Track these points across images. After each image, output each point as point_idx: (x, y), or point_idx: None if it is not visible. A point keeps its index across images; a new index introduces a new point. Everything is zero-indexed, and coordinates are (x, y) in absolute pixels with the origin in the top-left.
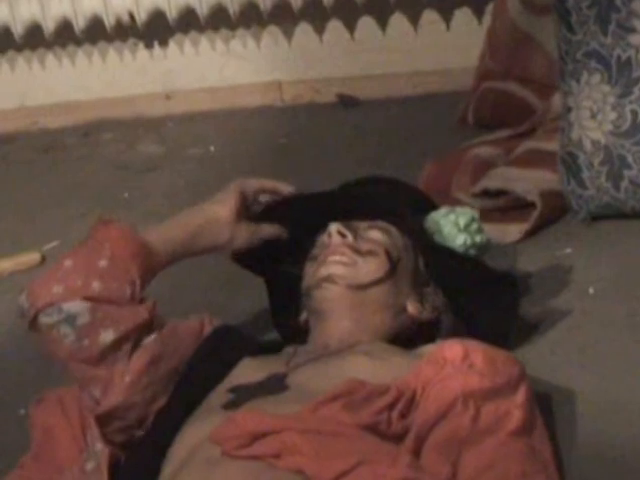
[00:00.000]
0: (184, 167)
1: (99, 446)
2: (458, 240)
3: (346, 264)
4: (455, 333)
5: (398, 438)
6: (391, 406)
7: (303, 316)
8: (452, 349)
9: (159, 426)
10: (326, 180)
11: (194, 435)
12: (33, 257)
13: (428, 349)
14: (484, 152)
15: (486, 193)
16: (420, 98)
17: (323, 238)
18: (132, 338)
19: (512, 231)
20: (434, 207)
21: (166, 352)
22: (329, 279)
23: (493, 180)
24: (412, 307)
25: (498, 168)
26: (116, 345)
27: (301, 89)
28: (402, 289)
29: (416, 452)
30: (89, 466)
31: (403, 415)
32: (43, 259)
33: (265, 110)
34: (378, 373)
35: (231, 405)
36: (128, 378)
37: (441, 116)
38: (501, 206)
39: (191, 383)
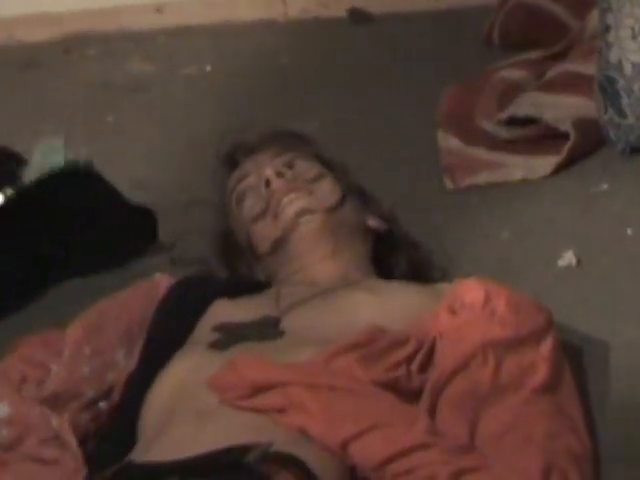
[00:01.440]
0: (176, 88)
1: (54, 422)
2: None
3: (307, 195)
4: (411, 240)
5: (417, 394)
6: (410, 358)
7: (260, 276)
8: (472, 292)
9: (131, 385)
10: (331, 104)
11: (179, 378)
12: None
13: (443, 288)
14: (512, 75)
15: (514, 121)
16: (440, 14)
17: (258, 190)
18: None
19: (542, 164)
20: None
21: (104, 318)
22: (305, 212)
23: (522, 106)
24: (372, 221)
25: (527, 93)
26: None
27: (307, 2)
28: (357, 206)
29: (432, 408)
30: (45, 451)
31: (423, 368)
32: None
33: (267, 25)
34: (387, 312)
35: (220, 345)
36: (67, 352)
37: (464, 34)
38: (530, 136)
39: (162, 336)
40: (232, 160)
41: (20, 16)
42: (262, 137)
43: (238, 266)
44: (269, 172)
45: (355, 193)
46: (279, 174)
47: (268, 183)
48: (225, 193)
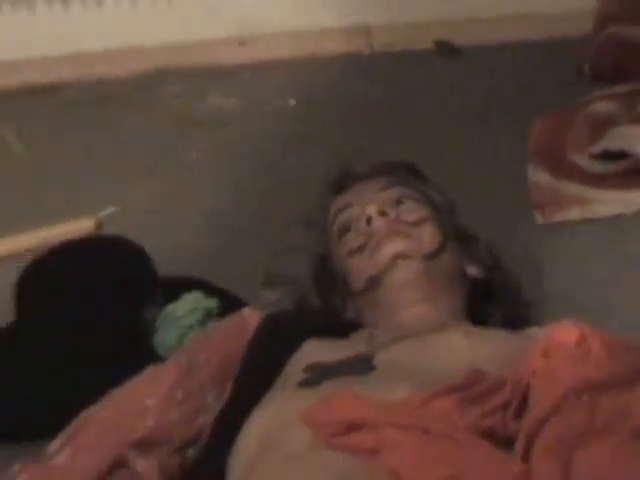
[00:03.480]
0: (260, 122)
1: (139, 466)
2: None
3: (406, 238)
4: (510, 291)
5: (512, 441)
6: (506, 404)
7: (349, 312)
8: (565, 331)
9: (220, 428)
10: (420, 139)
11: (269, 418)
12: (86, 224)
13: (534, 332)
14: (603, 108)
15: (606, 155)
16: (529, 46)
17: (358, 227)
18: None
19: (636, 199)
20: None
21: (197, 360)
22: (401, 256)
23: (614, 140)
24: (474, 269)
25: (619, 126)
26: None
27: (393, 34)
28: (457, 252)
29: (526, 454)
30: None
31: (518, 414)
32: (99, 226)
33: (352, 58)
34: (478, 356)
35: (311, 382)
36: (159, 398)
37: (554, 66)
38: (623, 170)
39: (251, 377)
40: (339, 186)
41: (100, 51)
42: (372, 166)
43: (331, 295)
44: (372, 210)
45: (458, 237)
46: (382, 212)
47: (369, 220)
48: (328, 220)
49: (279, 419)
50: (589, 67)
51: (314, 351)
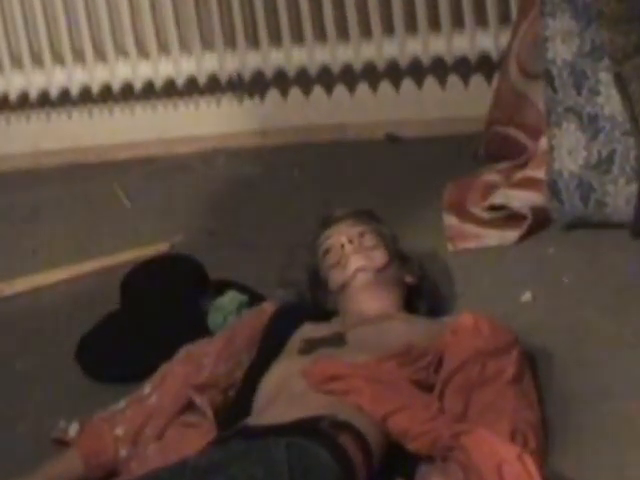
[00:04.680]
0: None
1: (198, 400)
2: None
3: (365, 258)
4: (431, 292)
5: (432, 387)
6: (429, 364)
7: (330, 304)
8: (465, 319)
9: (249, 378)
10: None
11: (279, 373)
12: (164, 246)
13: (446, 319)
14: (491, 177)
15: (492, 207)
16: (443, 138)
17: (335, 250)
18: None
19: (511, 235)
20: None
21: (235, 333)
22: (360, 269)
23: (497, 198)
24: (409, 278)
25: (501, 189)
26: None
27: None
28: (398, 267)
29: (441, 395)
30: (191, 419)
31: (436, 370)
32: (172, 248)
33: None
34: (412, 334)
35: (305, 351)
36: (212, 357)
37: (460, 151)
38: (503, 217)
39: (268, 345)
40: (325, 224)
41: (175, 136)
42: (345, 212)
43: (319, 293)
44: (343, 239)
45: (399, 257)
46: (350, 241)
47: (342, 245)
48: (317, 244)
49: (286, 373)
50: (482, 152)
51: (309, 330)
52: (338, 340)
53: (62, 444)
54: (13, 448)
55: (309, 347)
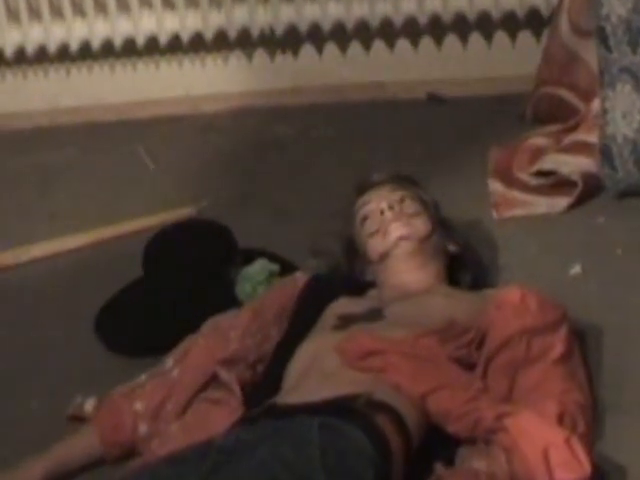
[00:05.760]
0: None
1: (224, 375)
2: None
3: (407, 226)
4: (475, 263)
5: (474, 365)
6: (471, 341)
7: (367, 276)
8: (511, 294)
9: (279, 353)
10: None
11: (311, 349)
12: (189, 211)
13: (490, 292)
14: (539, 141)
15: (540, 172)
16: (491, 98)
17: (374, 217)
18: None
19: (560, 203)
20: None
21: (264, 305)
22: (403, 237)
23: (546, 163)
24: (452, 247)
25: (549, 154)
26: None
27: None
28: (440, 235)
29: (484, 374)
30: (216, 395)
31: (479, 348)
32: (199, 213)
33: None
34: (454, 310)
35: (340, 327)
36: (240, 330)
37: (507, 113)
38: (552, 183)
39: (300, 319)
40: (361, 189)
41: (203, 94)
42: (383, 177)
43: (355, 263)
44: (383, 204)
45: (441, 225)
46: (390, 207)
47: (382, 212)
48: (353, 211)
49: (319, 350)
50: (529, 114)
51: (343, 305)
52: (375, 316)
53: (78, 420)
54: (27, 425)
55: (344, 323)
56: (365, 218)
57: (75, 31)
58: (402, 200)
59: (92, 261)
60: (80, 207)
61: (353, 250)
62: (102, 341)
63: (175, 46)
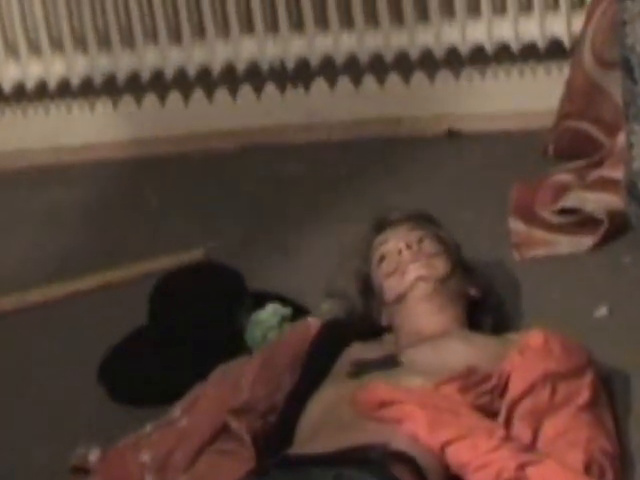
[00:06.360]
0: None
1: (235, 425)
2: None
3: (425, 266)
4: (500, 307)
5: (497, 413)
6: (493, 389)
7: (384, 320)
8: (534, 338)
9: (291, 402)
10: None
11: (325, 398)
12: (198, 254)
13: (513, 337)
14: (562, 178)
15: (564, 210)
16: (510, 133)
17: (392, 256)
18: None
19: (584, 242)
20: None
21: (276, 352)
22: (421, 278)
23: (570, 200)
24: (473, 290)
25: (574, 191)
26: None
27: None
28: (460, 277)
29: (507, 422)
30: (227, 446)
31: (501, 395)
32: (206, 256)
33: None
34: (474, 355)
35: (354, 375)
36: (250, 378)
37: (528, 149)
38: (575, 221)
39: (313, 366)
40: (379, 228)
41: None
42: (402, 215)
43: (371, 305)
44: (402, 244)
45: (462, 267)
46: (408, 247)
47: (400, 252)
48: (371, 250)
49: (333, 399)
50: (552, 149)
51: (358, 351)
52: (391, 362)
53: (82, 472)
54: (28, 476)
55: (359, 370)
56: (382, 258)
57: (77, 66)
58: (421, 240)
59: (94, 307)
60: (81, 249)
61: (369, 291)
62: (106, 390)
63: (182, 80)
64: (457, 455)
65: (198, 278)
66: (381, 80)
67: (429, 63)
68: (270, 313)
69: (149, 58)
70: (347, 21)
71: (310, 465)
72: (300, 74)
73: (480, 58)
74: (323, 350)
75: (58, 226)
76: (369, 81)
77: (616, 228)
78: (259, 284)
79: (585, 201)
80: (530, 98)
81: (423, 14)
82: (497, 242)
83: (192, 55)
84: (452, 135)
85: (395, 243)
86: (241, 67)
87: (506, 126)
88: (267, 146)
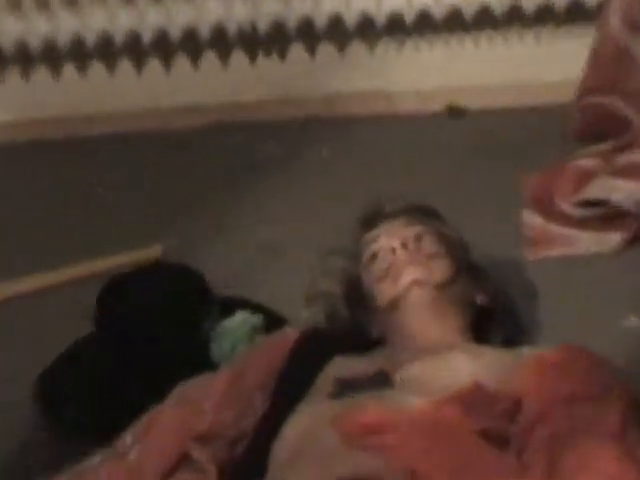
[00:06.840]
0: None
1: (197, 455)
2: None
3: (423, 269)
4: (512, 316)
5: (506, 440)
6: (504, 412)
7: (374, 330)
8: (552, 353)
9: (264, 427)
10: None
11: (304, 422)
12: (154, 252)
13: (527, 351)
14: (585, 163)
15: (587, 202)
16: (524, 110)
17: (384, 256)
18: None
19: (611, 239)
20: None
21: (246, 367)
22: (417, 283)
23: (594, 190)
24: (481, 297)
25: (600, 178)
26: None
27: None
28: (466, 282)
29: (521, 450)
30: (187, 477)
31: (513, 419)
32: (164, 254)
33: None
34: (481, 372)
35: (338, 395)
36: (215, 399)
37: (545, 129)
38: (601, 215)
39: (290, 384)
40: (371, 222)
41: (174, 106)
42: (397, 207)
43: (360, 312)
44: (396, 243)
45: (468, 270)
46: (404, 245)
47: (393, 250)
48: (359, 249)
49: (312, 424)
50: (572, 129)
51: (341, 366)
52: (382, 380)
53: None
54: None
55: (342, 389)
56: (373, 257)
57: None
58: (419, 238)
59: (32, 312)
60: (18, 246)
61: (357, 296)
62: (43, 413)
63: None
64: None
65: (154, 280)
66: (371, 47)
67: (425, 27)
68: (239, 322)
69: (95, 21)
70: None
71: None
72: (274, 39)
73: (485, 22)
74: (301, 365)
75: None
76: (356, 47)
77: None
78: (226, 288)
79: (612, 190)
80: (547, 68)
81: None
82: (509, 239)
83: (146, 18)
84: (453, 112)
85: (388, 240)
86: (205, 31)
87: (517, 102)
88: (237, 124)
